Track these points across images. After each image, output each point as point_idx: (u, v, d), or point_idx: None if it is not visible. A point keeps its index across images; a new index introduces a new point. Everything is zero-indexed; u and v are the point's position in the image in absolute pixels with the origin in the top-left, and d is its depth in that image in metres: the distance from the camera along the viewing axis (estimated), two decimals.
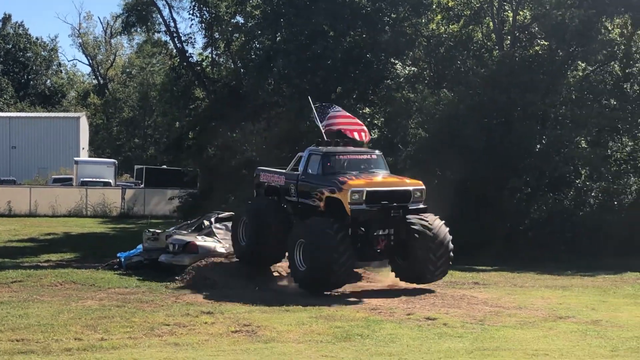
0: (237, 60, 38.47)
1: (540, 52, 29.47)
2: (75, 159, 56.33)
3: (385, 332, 13.28)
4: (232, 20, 38.42)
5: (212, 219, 21.85)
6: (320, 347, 12.21)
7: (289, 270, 18.32)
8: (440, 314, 14.94)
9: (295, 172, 19.19)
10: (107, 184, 49.90)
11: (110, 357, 11.46)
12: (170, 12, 40.28)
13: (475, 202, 26.84)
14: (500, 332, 13.42)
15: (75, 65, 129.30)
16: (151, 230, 22.24)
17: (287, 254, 18.19)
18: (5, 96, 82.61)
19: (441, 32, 32.65)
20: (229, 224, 20.88)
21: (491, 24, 31.74)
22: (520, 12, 30.86)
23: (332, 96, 29.25)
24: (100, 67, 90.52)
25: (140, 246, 22.09)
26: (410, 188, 17.97)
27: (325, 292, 17.34)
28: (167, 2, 40.15)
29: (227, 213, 22.45)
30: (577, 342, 12.68)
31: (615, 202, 26.65)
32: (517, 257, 24.56)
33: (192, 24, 39.53)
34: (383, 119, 30.32)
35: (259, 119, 34.34)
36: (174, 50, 40.43)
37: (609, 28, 28.96)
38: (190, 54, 39.53)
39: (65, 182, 52.50)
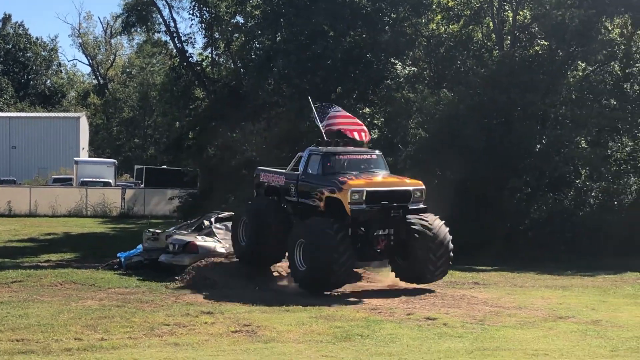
0: (237, 60, 38.47)
1: (540, 52, 29.47)
2: (75, 159, 56.33)
3: (385, 332, 13.28)
4: (232, 20, 38.42)
5: (212, 219, 21.84)
6: (320, 347, 12.21)
7: (289, 270, 18.31)
8: (440, 314, 14.94)
9: (295, 172, 19.18)
10: (107, 184, 49.90)
11: (110, 357, 11.45)
12: (170, 12, 40.36)
13: (475, 202, 26.84)
14: (500, 332, 13.42)
15: (75, 65, 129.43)
16: (151, 230, 22.24)
17: (287, 254, 18.19)
18: (5, 96, 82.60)
19: (441, 32, 32.65)
20: (229, 224, 20.87)
21: (491, 24, 31.74)
22: (520, 12, 30.86)
23: (332, 96, 29.25)
24: (100, 67, 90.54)
25: (140, 246, 22.08)
26: (410, 188, 17.96)
27: (325, 292, 17.34)
28: (167, 2, 40.19)
29: (227, 213, 22.45)
30: (577, 342, 12.67)
31: (615, 202, 26.65)
32: (517, 257, 24.55)
33: (192, 24, 39.58)
34: (383, 119, 30.32)
35: (259, 119, 34.34)
36: (174, 50, 40.43)
37: (609, 28, 28.96)
38: (190, 54, 39.61)
39: (65, 182, 52.49)
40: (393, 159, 25.65)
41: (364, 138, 20.42)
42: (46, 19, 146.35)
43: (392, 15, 31.83)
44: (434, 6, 32.10)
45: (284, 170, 19.82)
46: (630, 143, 28.36)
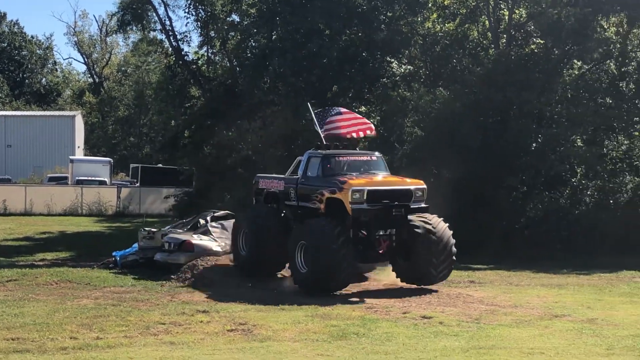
0: (233, 59, 38.43)
1: (536, 50, 29.51)
2: (71, 157, 56.29)
3: (381, 330, 13.27)
4: (228, 19, 38.40)
5: (208, 218, 21.81)
6: (316, 345, 12.20)
7: (289, 271, 18.23)
8: (436, 313, 14.94)
9: (294, 177, 19.08)
10: (102, 183, 49.85)
11: (106, 356, 11.43)
12: (166, 10, 40.28)
13: (472, 201, 26.82)
14: (496, 330, 13.42)
15: (71, 64, 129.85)
16: (147, 228, 22.20)
17: (287, 264, 18.04)
18: (0, 95, 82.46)
19: (437, 30, 32.68)
20: (225, 223, 20.83)
21: (487, 22, 31.77)
22: (516, 11, 30.89)
23: (327, 95, 29.25)
24: (95, 66, 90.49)
25: (135, 245, 22.02)
26: (412, 187, 17.88)
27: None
28: (162, 0, 40.15)
29: (223, 212, 22.43)
30: (573, 340, 12.68)
31: (611, 201, 26.69)
32: (513, 256, 24.54)
33: (188, 23, 39.98)
34: (379, 118, 30.27)
35: (255, 118, 34.27)
36: (170, 49, 40.36)
37: (605, 27, 28.99)
38: (185, 52, 39.58)
39: (61, 180, 52.44)
40: (389, 157, 25.60)
41: (369, 133, 20.41)
42: (41, 17, 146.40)
43: (388, 13, 31.84)
44: (429, 4, 32.12)
45: (283, 176, 19.78)
46: (625, 142, 28.39)
